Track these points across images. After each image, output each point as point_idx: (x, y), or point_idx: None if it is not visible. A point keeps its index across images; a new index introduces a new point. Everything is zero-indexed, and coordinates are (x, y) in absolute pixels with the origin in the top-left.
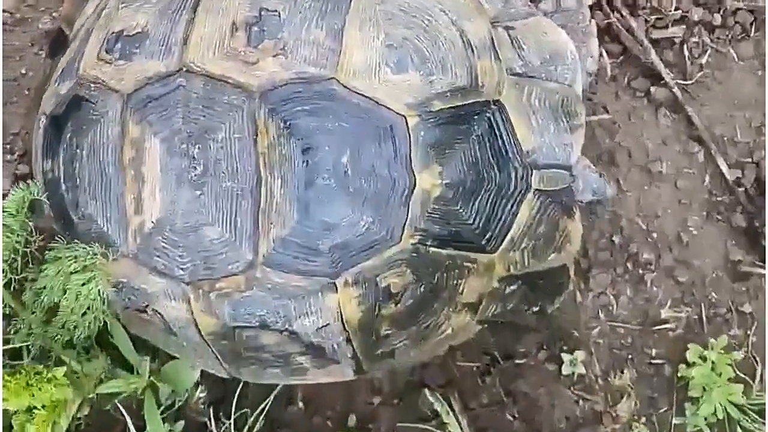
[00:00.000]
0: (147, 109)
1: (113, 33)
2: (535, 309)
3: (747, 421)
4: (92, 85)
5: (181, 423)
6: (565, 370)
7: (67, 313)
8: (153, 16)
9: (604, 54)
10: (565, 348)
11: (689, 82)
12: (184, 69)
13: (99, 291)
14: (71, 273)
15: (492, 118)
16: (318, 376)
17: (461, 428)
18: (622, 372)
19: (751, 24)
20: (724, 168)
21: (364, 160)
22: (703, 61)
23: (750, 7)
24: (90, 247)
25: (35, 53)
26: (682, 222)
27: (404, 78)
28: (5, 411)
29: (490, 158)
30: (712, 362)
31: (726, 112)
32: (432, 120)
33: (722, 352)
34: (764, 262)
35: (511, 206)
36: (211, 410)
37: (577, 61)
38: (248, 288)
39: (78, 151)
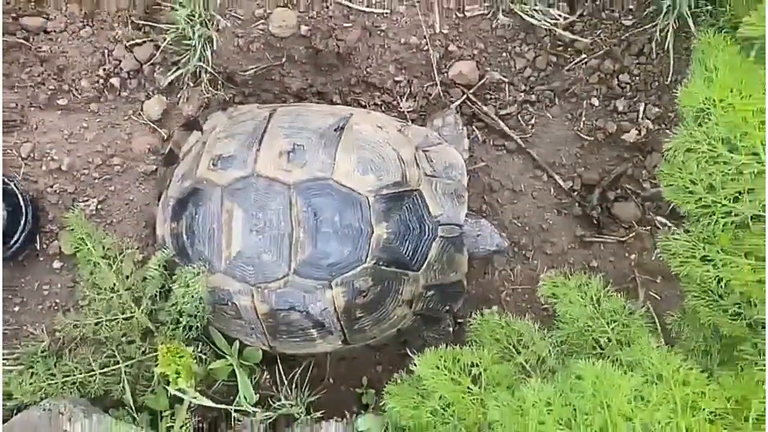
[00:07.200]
0: (235, 193)
1: (216, 155)
2: (447, 308)
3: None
4: (204, 181)
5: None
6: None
7: (186, 316)
8: (238, 146)
9: (475, 130)
10: (484, 307)
11: (527, 135)
12: (255, 174)
13: (203, 287)
14: (188, 285)
15: (414, 199)
16: (322, 345)
17: None
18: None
19: (554, 97)
20: (560, 182)
21: (346, 219)
22: (532, 122)
23: (548, 88)
24: (200, 266)
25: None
26: (542, 218)
27: (367, 177)
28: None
29: (415, 219)
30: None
31: (553, 149)
32: (381, 198)
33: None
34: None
35: (427, 245)
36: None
37: (464, 167)
38: (284, 287)
39: (195, 216)
